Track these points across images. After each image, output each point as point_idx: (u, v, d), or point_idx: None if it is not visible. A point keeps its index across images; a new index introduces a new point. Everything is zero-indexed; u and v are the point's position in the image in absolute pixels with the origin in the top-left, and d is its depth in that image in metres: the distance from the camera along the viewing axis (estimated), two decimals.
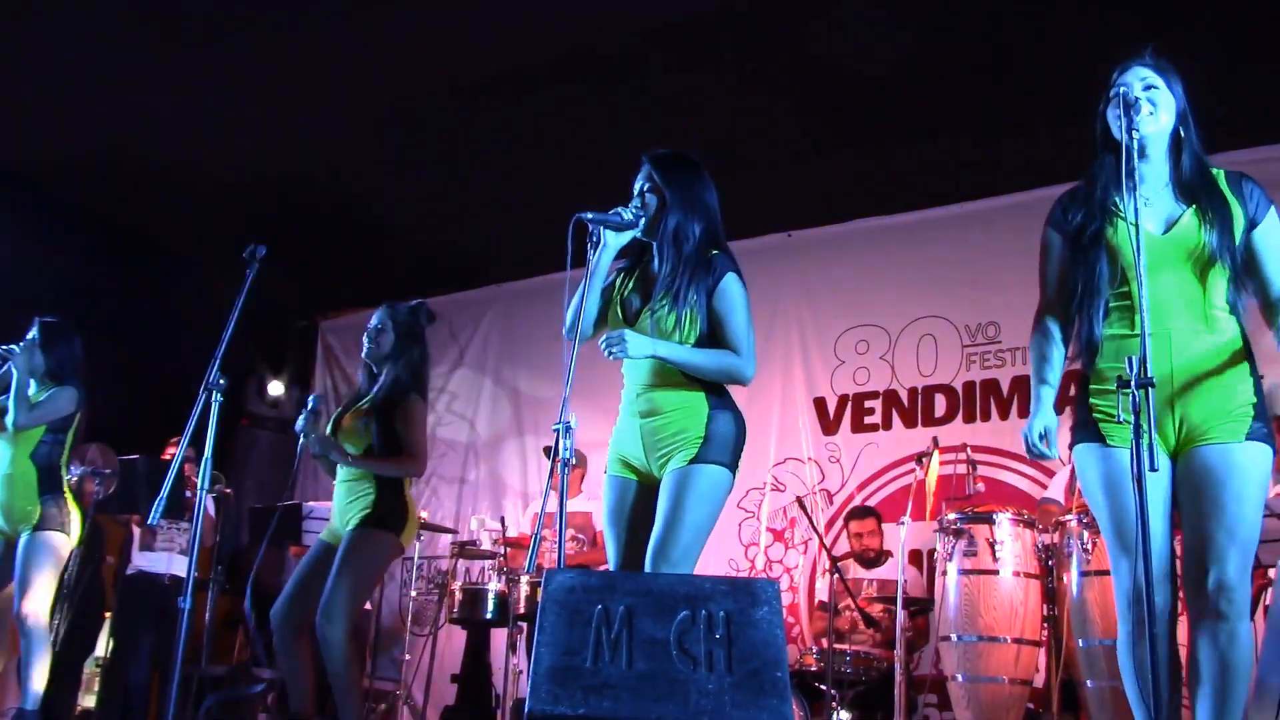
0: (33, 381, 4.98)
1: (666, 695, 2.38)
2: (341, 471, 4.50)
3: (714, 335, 3.42)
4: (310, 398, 4.53)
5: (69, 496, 5.08)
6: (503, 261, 8.43)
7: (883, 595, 5.70)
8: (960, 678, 4.83)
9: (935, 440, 5.45)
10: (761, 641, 2.48)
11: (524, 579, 5.94)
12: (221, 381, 3.54)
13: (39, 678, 4.81)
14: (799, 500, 6.21)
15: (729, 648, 2.48)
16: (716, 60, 6.30)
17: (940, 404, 6.99)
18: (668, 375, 3.39)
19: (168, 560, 6.46)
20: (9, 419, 4.83)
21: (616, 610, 2.55)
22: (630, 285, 3.56)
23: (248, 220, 7.72)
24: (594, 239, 3.41)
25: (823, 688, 5.52)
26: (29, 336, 5.05)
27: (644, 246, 3.55)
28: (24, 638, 4.81)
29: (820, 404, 7.43)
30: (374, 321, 4.66)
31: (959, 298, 7.10)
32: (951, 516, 5.02)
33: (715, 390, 3.44)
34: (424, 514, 7.35)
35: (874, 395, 7.24)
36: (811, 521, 5.94)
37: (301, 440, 4.44)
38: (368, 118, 7.05)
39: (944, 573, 4.99)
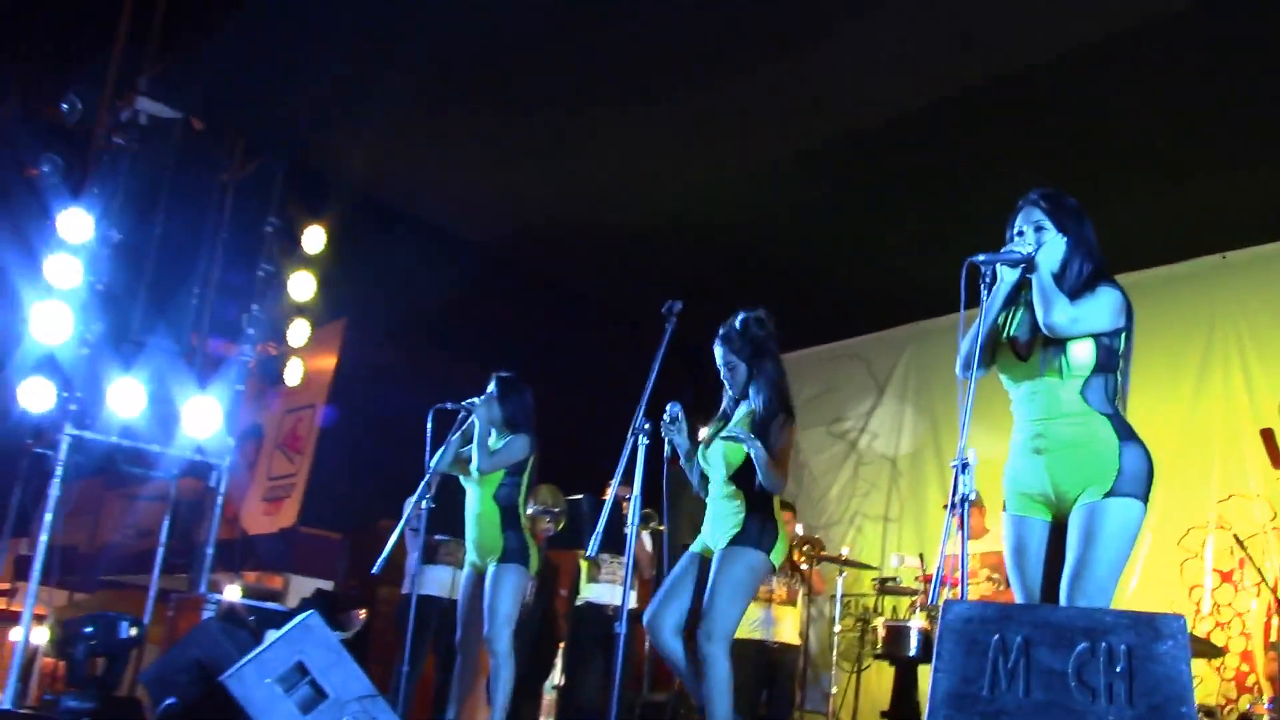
0: (493, 430, 5.56)
1: None
2: (715, 489, 4.57)
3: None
4: (670, 405, 4.52)
5: (527, 533, 5.65)
6: (915, 301, 8.48)
7: None
8: None
9: None
10: (1165, 676, 2.46)
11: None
12: (647, 425, 3.88)
13: (504, 697, 5.36)
14: (1236, 538, 5.83)
15: (1130, 681, 2.48)
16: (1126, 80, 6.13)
17: None
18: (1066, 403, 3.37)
19: (612, 592, 6.97)
20: (474, 465, 5.44)
21: (1014, 641, 2.61)
22: (1016, 320, 3.57)
23: (669, 270, 8.26)
24: (986, 279, 3.46)
25: None
26: (488, 390, 5.66)
27: (1025, 282, 3.55)
28: (492, 659, 5.38)
29: (1268, 435, 6.91)
30: (719, 359, 4.66)
31: None
32: None
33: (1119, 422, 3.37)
34: (846, 550, 7.52)
35: None
36: (1251, 558, 5.56)
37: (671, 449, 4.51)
38: (775, 168, 7.40)
39: None
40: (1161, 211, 7.22)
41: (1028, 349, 3.45)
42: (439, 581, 6.67)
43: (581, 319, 9.06)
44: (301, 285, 7.90)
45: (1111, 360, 3.36)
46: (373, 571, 5.25)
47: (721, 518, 4.50)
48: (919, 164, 7.01)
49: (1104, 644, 2.54)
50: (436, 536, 6.27)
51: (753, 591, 4.54)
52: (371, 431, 9.44)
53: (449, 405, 5.51)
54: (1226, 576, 6.82)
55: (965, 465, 3.23)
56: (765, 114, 6.88)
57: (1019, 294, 3.56)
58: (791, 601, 7.09)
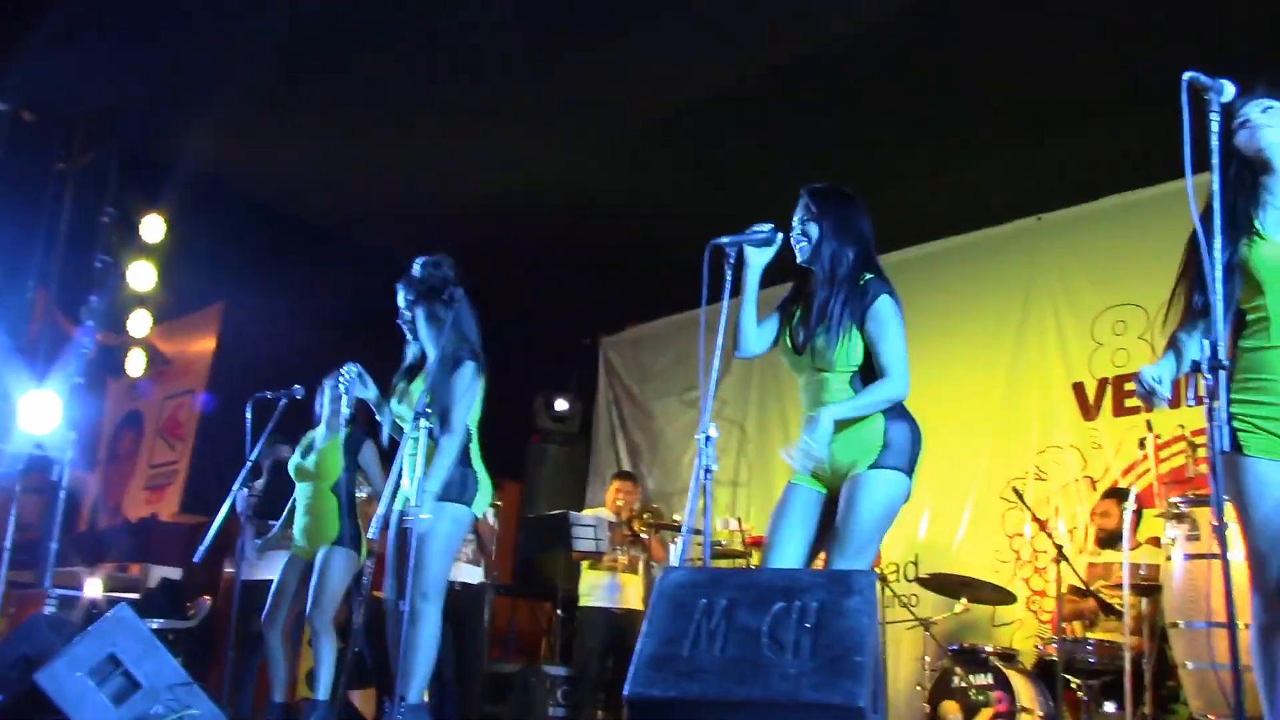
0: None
1: (750, 679, 2.62)
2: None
3: (868, 357, 3.62)
4: (348, 364, 4.70)
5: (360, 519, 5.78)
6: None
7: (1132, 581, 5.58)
8: (1190, 665, 4.71)
9: (1149, 425, 5.30)
10: (847, 629, 2.66)
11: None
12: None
13: (330, 673, 5.50)
14: (1014, 488, 6.18)
15: (816, 635, 2.68)
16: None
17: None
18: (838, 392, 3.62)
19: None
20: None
21: (718, 603, 2.80)
22: (798, 315, 3.81)
23: (512, 248, 8.38)
24: (730, 260, 3.65)
25: (1068, 678, 5.51)
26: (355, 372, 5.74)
27: (808, 274, 3.79)
28: (316, 638, 5.50)
29: (1080, 389, 7.27)
30: (400, 305, 4.68)
31: None
32: (1174, 500, 4.89)
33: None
34: (677, 517, 7.74)
35: (1134, 377, 7.00)
36: (1028, 506, 5.93)
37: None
38: (615, 142, 7.55)
39: (1169, 558, 4.87)
40: (980, 176, 7.51)
41: (804, 346, 3.69)
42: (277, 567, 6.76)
43: None
44: (141, 275, 7.89)
45: None
46: (194, 560, 5.35)
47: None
48: (752, 135, 7.21)
49: (799, 603, 2.74)
50: (270, 522, 6.35)
51: (458, 545, 4.63)
52: None
53: (269, 394, 5.59)
54: (1044, 525, 7.16)
55: (709, 438, 3.44)
56: (600, 90, 7.02)
57: (805, 287, 3.80)
58: (634, 569, 7.30)
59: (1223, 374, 2.54)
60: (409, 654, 4.26)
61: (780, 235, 3.70)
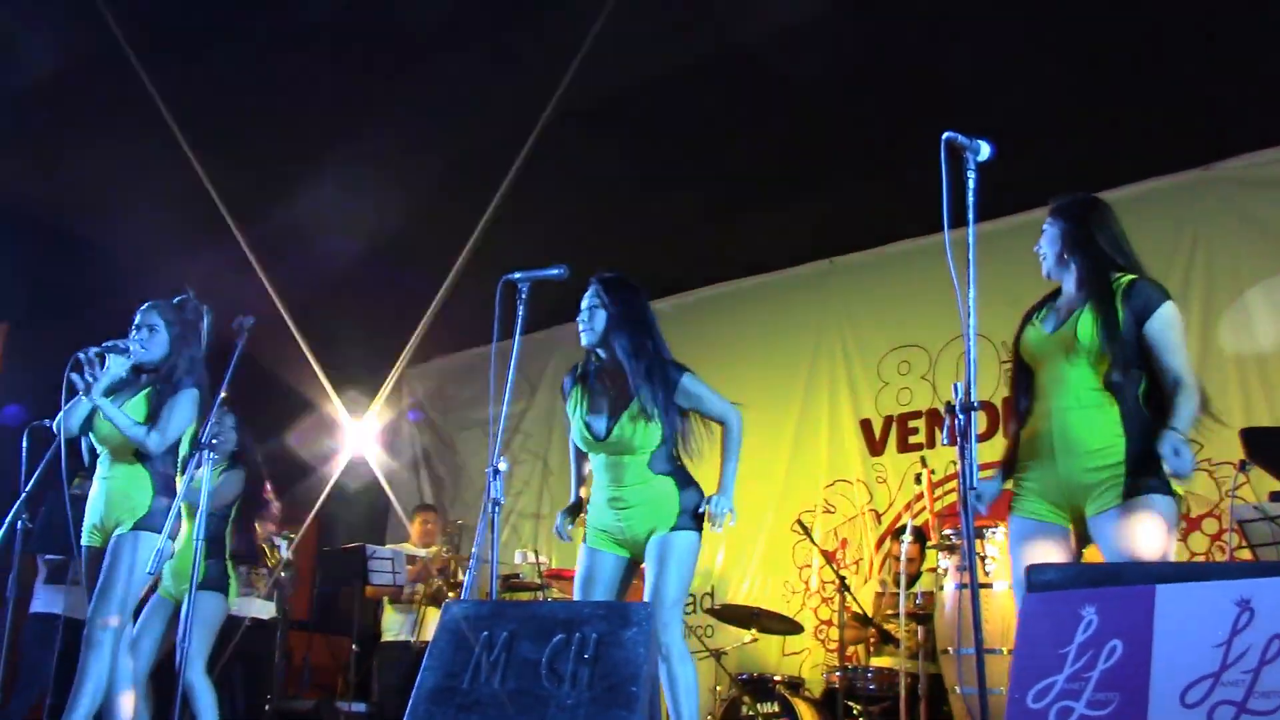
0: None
1: (528, 711, 2.67)
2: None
3: (686, 421, 4.11)
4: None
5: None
6: (562, 306, 8.72)
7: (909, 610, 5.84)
8: (959, 689, 4.96)
9: (924, 460, 5.58)
10: (623, 660, 2.74)
11: None
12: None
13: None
14: (799, 520, 6.41)
15: (594, 666, 2.75)
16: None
17: (980, 421, 7.07)
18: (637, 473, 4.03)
19: (247, 603, 6.94)
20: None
21: (499, 636, 2.85)
22: (587, 403, 4.14)
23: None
24: (522, 294, 3.79)
25: (850, 704, 5.71)
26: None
27: (588, 357, 4.21)
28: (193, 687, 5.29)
29: (867, 425, 7.58)
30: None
31: (996, 315, 7.17)
32: (947, 532, 5.16)
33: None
34: (475, 551, 7.73)
35: (917, 415, 7.37)
36: (812, 539, 6.16)
37: None
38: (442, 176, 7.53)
39: (941, 587, 5.13)
40: (779, 221, 7.77)
41: (607, 434, 4.03)
42: (59, 601, 6.48)
43: None
44: None
45: (672, 432, 4.04)
46: None
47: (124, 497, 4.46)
48: (547, 174, 7.27)
49: (578, 634, 2.80)
50: (48, 556, 6.08)
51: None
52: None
53: (46, 422, 5.37)
54: (830, 556, 7.43)
55: (497, 471, 3.49)
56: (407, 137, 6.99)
57: (589, 380, 4.16)
58: (437, 602, 7.25)
59: (974, 415, 2.71)
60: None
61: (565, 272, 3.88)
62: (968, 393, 2.73)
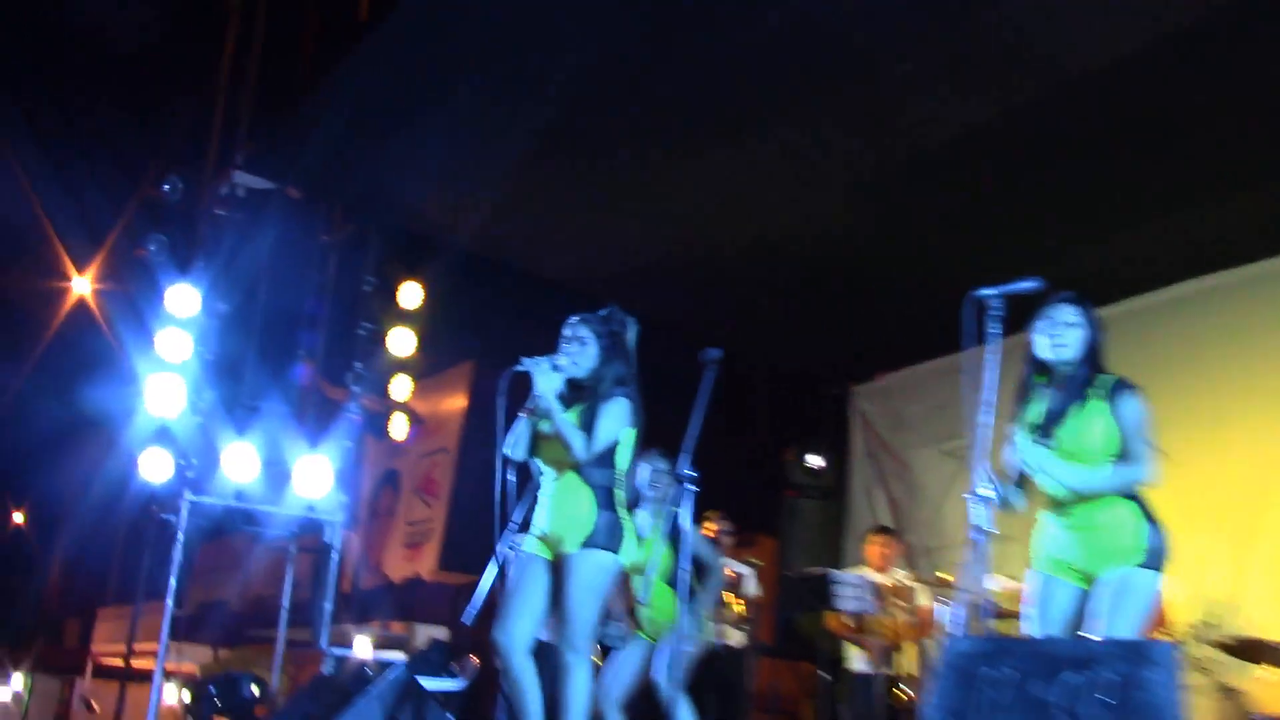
0: None
1: None
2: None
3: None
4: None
5: None
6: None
7: None
8: None
9: None
10: (1150, 705, 2.39)
11: None
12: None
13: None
14: None
15: (1120, 713, 2.42)
16: None
17: None
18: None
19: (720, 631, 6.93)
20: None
21: (1005, 673, 2.57)
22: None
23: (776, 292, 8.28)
24: (992, 309, 3.52)
25: None
26: None
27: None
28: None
29: None
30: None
31: None
32: None
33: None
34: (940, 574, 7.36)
35: None
36: None
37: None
38: (860, 191, 7.35)
39: None
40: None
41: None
42: None
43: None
44: (401, 341, 8.14)
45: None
46: (463, 620, 5.35)
47: (567, 511, 4.36)
48: (988, 178, 6.94)
49: (1093, 675, 2.48)
50: None
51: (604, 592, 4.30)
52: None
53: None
54: None
55: (981, 498, 3.24)
56: (844, 135, 6.85)
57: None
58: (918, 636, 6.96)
59: None
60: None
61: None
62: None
